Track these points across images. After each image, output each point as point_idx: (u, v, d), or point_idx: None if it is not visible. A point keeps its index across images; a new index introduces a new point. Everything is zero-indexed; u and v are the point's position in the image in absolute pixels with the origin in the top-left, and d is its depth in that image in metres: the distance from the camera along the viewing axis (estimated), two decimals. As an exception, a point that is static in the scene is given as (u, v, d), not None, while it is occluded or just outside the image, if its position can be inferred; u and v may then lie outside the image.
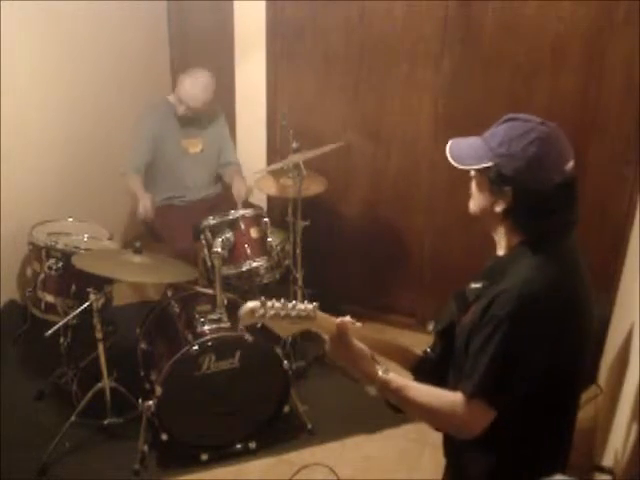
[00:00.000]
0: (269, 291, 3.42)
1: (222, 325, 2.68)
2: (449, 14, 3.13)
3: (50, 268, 2.82)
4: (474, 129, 3.44)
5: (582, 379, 1.59)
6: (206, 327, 2.67)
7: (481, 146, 1.52)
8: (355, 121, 3.49)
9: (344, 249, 3.69)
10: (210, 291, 2.85)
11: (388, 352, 1.66)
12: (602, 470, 2.01)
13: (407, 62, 3.29)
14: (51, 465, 2.60)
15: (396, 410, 1.54)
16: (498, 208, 1.48)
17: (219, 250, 2.72)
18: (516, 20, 3.03)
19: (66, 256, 2.77)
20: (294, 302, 1.45)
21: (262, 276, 2.94)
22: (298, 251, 3.15)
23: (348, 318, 1.53)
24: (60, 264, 2.81)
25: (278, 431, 2.80)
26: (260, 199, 3.71)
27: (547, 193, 1.42)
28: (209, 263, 2.89)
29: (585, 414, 2.62)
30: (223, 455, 2.72)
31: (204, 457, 2.69)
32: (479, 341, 1.41)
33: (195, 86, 3.29)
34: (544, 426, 1.51)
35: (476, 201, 1.54)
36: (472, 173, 1.55)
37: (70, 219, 3.20)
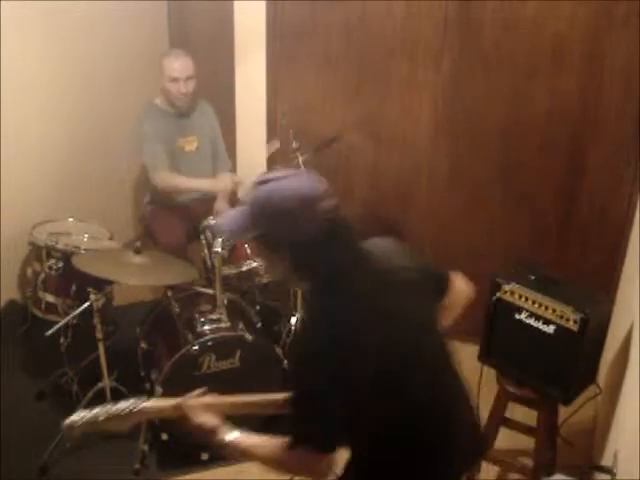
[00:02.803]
0: (269, 291, 3.42)
1: (222, 325, 2.68)
2: (449, 14, 3.13)
3: (50, 268, 2.82)
4: (474, 129, 3.47)
5: (434, 415, 1.52)
6: (206, 327, 2.67)
7: (246, 216, 1.49)
8: (355, 121, 3.49)
9: (344, 249, 3.68)
10: (210, 291, 2.85)
11: (249, 409, 1.79)
12: (602, 470, 2.01)
13: (407, 62, 3.29)
14: (51, 465, 2.60)
15: None
16: (286, 267, 1.49)
17: (219, 250, 2.72)
18: (516, 20, 3.03)
19: (66, 256, 2.78)
20: (118, 404, 1.57)
21: (262, 276, 2.94)
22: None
23: (195, 393, 1.64)
24: (60, 264, 2.81)
25: (278, 431, 2.79)
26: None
27: (314, 239, 1.43)
28: (209, 263, 2.89)
29: (585, 414, 2.62)
30: (223, 455, 2.70)
31: (204, 457, 2.69)
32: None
33: (175, 59, 3.27)
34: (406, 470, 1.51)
35: (269, 269, 1.58)
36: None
37: (70, 219, 3.20)
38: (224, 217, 1.59)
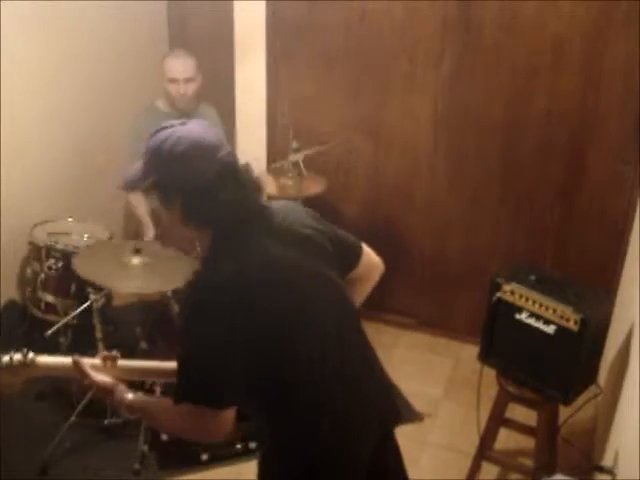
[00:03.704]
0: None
1: (222, 325, 2.67)
2: (449, 14, 3.13)
3: (50, 268, 2.82)
4: (474, 129, 3.47)
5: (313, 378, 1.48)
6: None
7: (141, 166, 1.49)
8: (355, 121, 3.49)
9: (344, 249, 3.69)
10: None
11: (145, 375, 1.78)
12: (602, 470, 2.01)
13: (407, 62, 3.29)
14: (51, 465, 2.60)
15: None
16: (177, 217, 1.47)
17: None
18: (516, 20, 3.03)
19: (66, 256, 2.77)
20: (8, 355, 1.53)
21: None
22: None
23: (103, 353, 1.63)
24: (60, 264, 2.81)
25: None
26: (260, 199, 3.71)
27: (208, 184, 1.41)
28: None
29: (585, 414, 2.62)
30: (223, 455, 2.72)
31: (204, 457, 2.69)
32: None
33: (175, 60, 3.26)
34: (295, 429, 1.49)
35: (166, 224, 1.56)
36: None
37: (70, 219, 3.20)
38: (126, 170, 1.56)
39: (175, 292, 3.03)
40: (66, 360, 1.62)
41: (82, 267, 2.57)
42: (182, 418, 1.44)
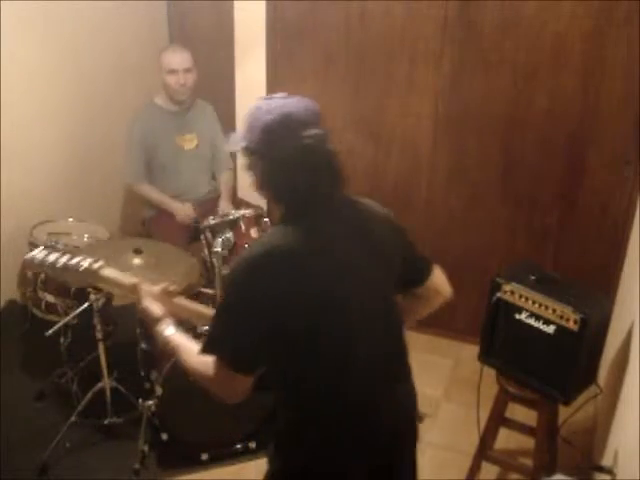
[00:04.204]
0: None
1: (222, 325, 2.68)
2: (449, 14, 3.13)
3: (50, 268, 2.82)
4: (474, 129, 3.47)
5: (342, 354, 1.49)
6: (206, 327, 2.66)
7: (241, 128, 1.55)
8: (355, 121, 3.49)
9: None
10: (210, 291, 2.85)
11: (195, 317, 1.82)
12: (602, 470, 2.01)
13: (407, 62, 3.30)
14: (51, 465, 2.60)
15: None
16: (254, 180, 1.53)
17: (219, 250, 2.72)
18: (516, 20, 3.03)
19: (66, 256, 2.77)
20: (77, 258, 1.62)
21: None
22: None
23: (163, 285, 1.71)
24: (60, 264, 2.81)
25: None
26: (260, 199, 3.71)
27: (285, 158, 1.44)
28: (209, 263, 2.88)
29: (585, 414, 2.62)
30: (223, 455, 2.72)
31: (204, 457, 2.69)
32: None
33: (172, 53, 3.31)
34: (315, 404, 1.50)
35: (251, 183, 1.57)
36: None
37: (70, 219, 3.20)
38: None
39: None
40: (127, 280, 1.71)
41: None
42: (203, 367, 1.47)
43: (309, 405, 1.52)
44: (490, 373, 2.42)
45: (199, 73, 3.39)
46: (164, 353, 1.67)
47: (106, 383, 2.70)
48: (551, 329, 2.20)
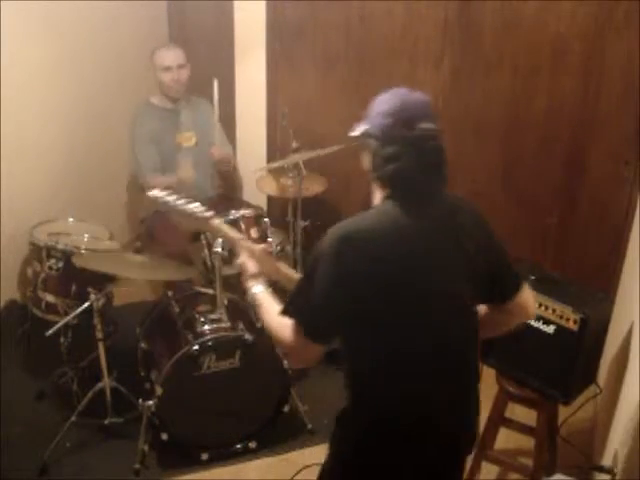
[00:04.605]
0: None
1: (222, 325, 2.68)
2: (449, 14, 3.14)
3: (50, 268, 2.82)
4: (474, 129, 3.47)
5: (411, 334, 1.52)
6: (206, 327, 2.67)
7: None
8: (355, 121, 3.48)
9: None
10: (210, 291, 2.85)
11: (288, 282, 1.83)
12: (602, 470, 2.01)
13: (407, 62, 3.30)
14: (51, 465, 2.60)
15: None
16: (366, 161, 1.60)
17: (219, 250, 2.72)
18: (516, 20, 3.04)
19: (66, 256, 2.77)
20: (193, 204, 1.81)
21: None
22: (298, 251, 3.15)
23: (264, 246, 1.86)
24: (60, 264, 2.81)
25: (278, 431, 2.80)
26: (260, 199, 3.72)
27: (393, 145, 1.51)
28: (209, 263, 2.89)
29: (584, 414, 2.62)
30: (223, 455, 2.72)
31: (204, 457, 2.69)
32: None
33: (165, 51, 3.32)
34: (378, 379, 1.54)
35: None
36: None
37: (70, 219, 3.20)
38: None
39: (175, 292, 3.04)
40: (233, 233, 1.87)
41: (83, 262, 2.57)
42: (281, 329, 1.54)
43: (367, 386, 1.55)
44: (490, 373, 2.42)
45: (199, 73, 3.39)
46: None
47: (106, 383, 2.70)
48: (551, 329, 2.20)
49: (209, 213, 1.82)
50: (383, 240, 1.48)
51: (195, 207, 1.82)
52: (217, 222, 1.85)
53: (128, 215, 4.07)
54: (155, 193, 1.85)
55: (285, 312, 1.54)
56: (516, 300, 1.65)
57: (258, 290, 1.70)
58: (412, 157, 1.50)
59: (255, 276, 1.73)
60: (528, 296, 1.69)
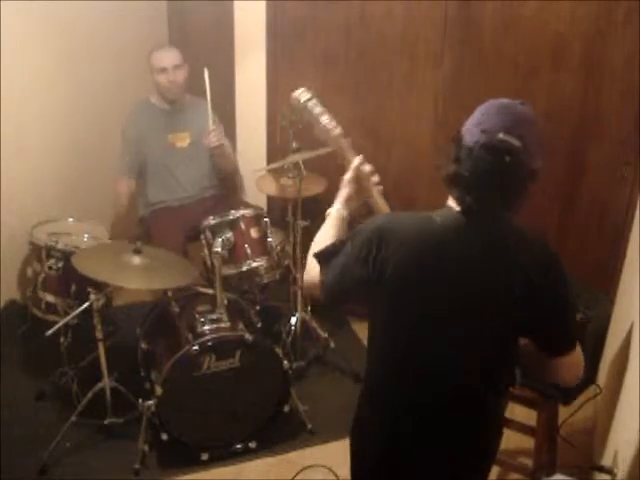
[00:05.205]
0: (269, 291, 3.42)
1: (222, 325, 2.68)
2: (449, 14, 3.13)
3: (50, 268, 2.82)
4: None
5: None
6: (206, 327, 2.67)
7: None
8: (355, 121, 3.49)
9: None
10: (210, 291, 2.85)
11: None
12: (602, 470, 2.01)
13: (407, 62, 3.30)
14: (51, 465, 2.60)
15: None
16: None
17: (219, 250, 2.72)
18: (516, 20, 3.03)
19: (66, 256, 2.77)
20: (327, 115, 1.91)
21: (262, 276, 2.94)
22: (298, 251, 3.16)
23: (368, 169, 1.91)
24: (60, 264, 2.81)
25: (278, 431, 2.80)
26: (260, 199, 3.71)
27: (467, 148, 1.47)
28: (209, 263, 2.89)
29: (585, 414, 2.62)
30: (223, 455, 2.72)
31: (204, 457, 2.69)
32: None
33: (162, 52, 3.32)
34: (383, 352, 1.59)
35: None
36: None
37: (70, 219, 3.20)
38: None
39: (175, 292, 3.04)
40: (351, 155, 1.95)
41: (82, 265, 2.55)
42: (312, 263, 1.63)
43: (376, 367, 1.61)
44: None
45: (199, 73, 3.38)
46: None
47: (106, 383, 2.70)
48: (551, 329, 2.19)
49: (339, 130, 1.89)
50: (410, 246, 1.50)
51: (327, 120, 1.89)
52: (343, 141, 1.91)
53: (127, 215, 4.07)
54: (300, 93, 1.97)
55: (317, 257, 1.61)
56: (559, 360, 1.58)
57: (332, 210, 1.78)
58: (474, 169, 1.47)
59: (345, 199, 1.81)
60: (575, 360, 1.61)
